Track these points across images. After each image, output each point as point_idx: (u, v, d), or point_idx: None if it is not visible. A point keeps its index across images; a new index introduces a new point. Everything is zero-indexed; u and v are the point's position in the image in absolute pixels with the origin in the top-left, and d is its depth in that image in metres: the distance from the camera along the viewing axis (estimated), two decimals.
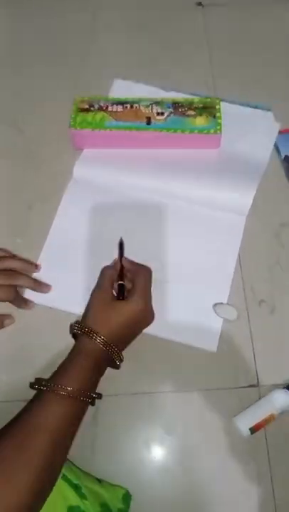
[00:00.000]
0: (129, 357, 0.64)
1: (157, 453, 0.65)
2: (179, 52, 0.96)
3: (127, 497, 0.61)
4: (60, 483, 0.54)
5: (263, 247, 0.76)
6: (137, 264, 0.70)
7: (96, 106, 0.82)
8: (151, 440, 0.66)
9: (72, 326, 0.64)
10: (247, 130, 0.84)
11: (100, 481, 0.61)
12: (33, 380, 0.58)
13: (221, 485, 0.63)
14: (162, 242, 0.76)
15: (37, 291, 0.71)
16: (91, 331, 0.60)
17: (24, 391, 0.58)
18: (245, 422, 0.63)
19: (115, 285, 0.67)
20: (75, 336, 0.64)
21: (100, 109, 0.81)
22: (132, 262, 0.70)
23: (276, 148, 0.83)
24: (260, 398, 0.66)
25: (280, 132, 0.84)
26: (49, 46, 0.97)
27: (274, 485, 0.63)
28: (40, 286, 0.71)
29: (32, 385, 0.58)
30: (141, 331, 0.66)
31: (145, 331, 0.67)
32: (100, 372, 0.61)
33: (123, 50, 0.96)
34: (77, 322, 0.63)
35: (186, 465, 0.65)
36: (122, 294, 0.64)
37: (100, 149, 0.83)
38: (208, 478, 0.64)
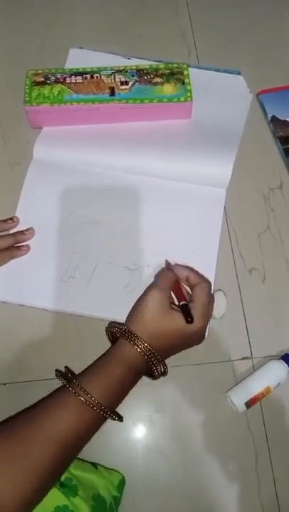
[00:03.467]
0: None
1: (147, 433, 0.61)
2: (143, 13, 0.88)
3: (122, 483, 0.57)
4: None
5: (252, 213, 0.72)
6: (199, 274, 0.61)
7: (52, 78, 0.73)
8: (140, 420, 0.62)
9: (111, 327, 0.57)
10: (218, 96, 0.78)
11: (95, 466, 0.57)
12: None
13: (216, 463, 0.60)
14: (139, 223, 0.69)
15: (23, 242, 0.67)
16: (137, 337, 0.54)
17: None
18: (240, 396, 0.60)
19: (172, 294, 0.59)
20: (113, 337, 0.58)
21: (57, 81, 0.73)
22: (192, 270, 0.61)
23: (262, 108, 0.78)
24: (254, 371, 0.62)
25: (262, 92, 0.79)
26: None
27: (272, 461, 0.59)
28: (22, 236, 0.67)
29: (58, 375, 0.54)
30: (186, 348, 0.58)
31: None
32: (133, 385, 0.55)
33: (84, 13, 0.88)
34: (117, 323, 0.57)
35: (178, 444, 0.61)
36: (189, 315, 0.54)
37: (61, 126, 0.75)
38: (202, 457, 0.60)
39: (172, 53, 0.82)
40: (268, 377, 0.60)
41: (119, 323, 0.57)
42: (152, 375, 0.57)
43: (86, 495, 0.52)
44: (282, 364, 0.61)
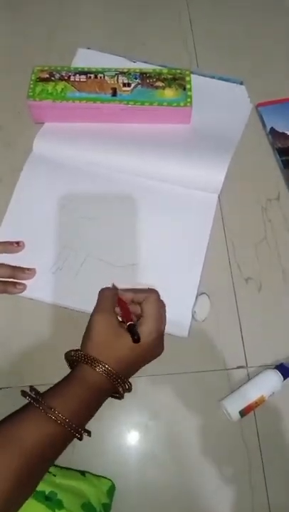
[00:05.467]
0: None
1: (141, 440, 0.61)
2: (151, 20, 0.90)
3: (111, 490, 0.57)
4: (27, 502, 0.49)
5: (250, 223, 0.72)
6: (141, 290, 0.61)
7: (57, 76, 0.75)
8: (134, 427, 0.62)
9: (69, 355, 0.56)
10: (219, 104, 0.80)
11: (83, 474, 0.57)
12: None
13: (210, 471, 0.60)
14: (130, 222, 0.71)
15: (18, 279, 0.65)
16: (95, 360, 0.53)
17: None
18: (234, 405, 0.60)
19: (117, 310, 0.59)
20: (72, 362, 0.57)
21: (62, 78, 0.75)
22: (136, 290, 0.61)
23: (261, 120, 0.79)
24: (249, 380, 0.63)
25: (261, 104, 0.80)
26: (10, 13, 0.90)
27: (265, 469, 0.60)
28: (21, 274, 0.65)
29: (24, 394, 0.52)
30: (148, 362, 0.58)
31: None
32: (98, 405, 0.55)
33: (90, 17, 0.90)
34: (74, 350, 0.56)
35: (172, 452, 0.61)
36: (136, 334, 0.54)
37: (62, 123, 0.76)
38: (196, 464, 0.60)
39: (173, 61, 0.83)
40: (263, 387, 0.61)
41: (75, 350, 0.56)
42: (117, 394, 0.56)
43: (74, 506, 0.51)
44: (276, 374, 0.61)
